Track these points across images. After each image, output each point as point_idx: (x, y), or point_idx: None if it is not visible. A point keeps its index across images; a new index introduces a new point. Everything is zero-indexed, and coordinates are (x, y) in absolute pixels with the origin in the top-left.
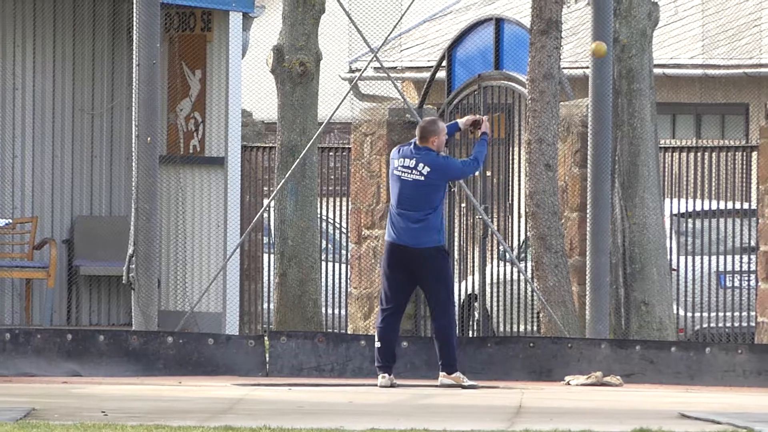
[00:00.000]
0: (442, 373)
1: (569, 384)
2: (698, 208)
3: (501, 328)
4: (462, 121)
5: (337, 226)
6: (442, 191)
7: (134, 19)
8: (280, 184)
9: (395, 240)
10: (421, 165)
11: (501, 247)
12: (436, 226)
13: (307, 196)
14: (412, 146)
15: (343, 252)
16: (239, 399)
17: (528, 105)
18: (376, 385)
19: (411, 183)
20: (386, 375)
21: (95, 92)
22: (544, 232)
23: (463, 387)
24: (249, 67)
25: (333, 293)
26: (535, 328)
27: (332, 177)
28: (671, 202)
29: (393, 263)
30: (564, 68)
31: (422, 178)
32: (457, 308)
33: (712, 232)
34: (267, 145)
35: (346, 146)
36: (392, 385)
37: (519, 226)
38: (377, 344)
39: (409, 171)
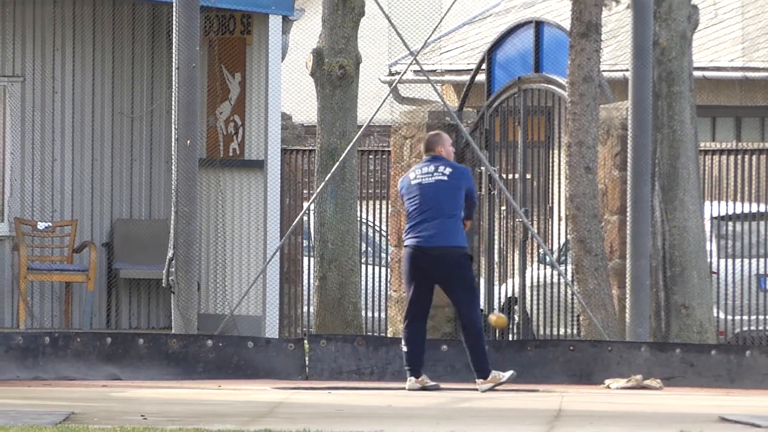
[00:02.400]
0: (478, 380)
1: (609, 387)
2: (738, 210)
3: (541, 331)
4: None
5: (377, 229)
6: (461, 198)
7: (174, 22)
8: (320, 187)
9: (421, 243)
10: (441, 167)
11: (541, 250)
12: (461, 229)
13: (346, 199)
14: (423, 161)
15: (383, 255)
16: (279, 402)
17: (568, 108)
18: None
19: (434, 184)
20: (413, 378)
21: (135, 95)
22: (584, 235)
23: (503, 382)
24: (288, 70)
25: (373, 296)
26: (575, 331)
27: (372, 180)
28: (711, 205)
29: (416, 269)
30: (604, 71)
31: (445, 178)
32: (496, 311)
33: (752, 234)
34: (306, 148)
35: (386, 149)
36: (423, 388)
37: (559, 229)
38: (404, 348)
39: (430, 175)
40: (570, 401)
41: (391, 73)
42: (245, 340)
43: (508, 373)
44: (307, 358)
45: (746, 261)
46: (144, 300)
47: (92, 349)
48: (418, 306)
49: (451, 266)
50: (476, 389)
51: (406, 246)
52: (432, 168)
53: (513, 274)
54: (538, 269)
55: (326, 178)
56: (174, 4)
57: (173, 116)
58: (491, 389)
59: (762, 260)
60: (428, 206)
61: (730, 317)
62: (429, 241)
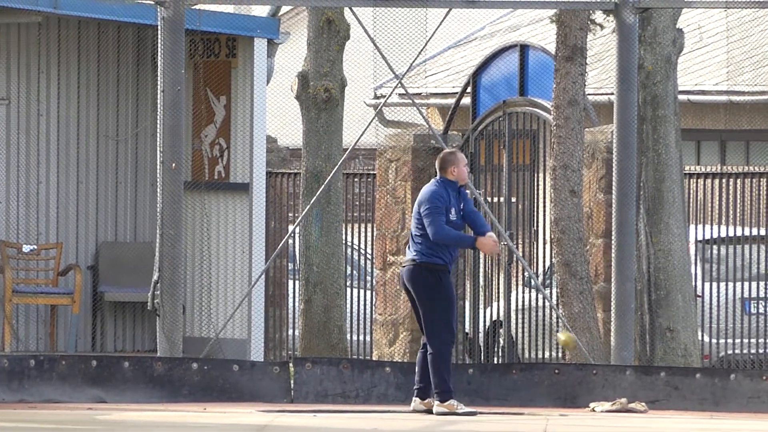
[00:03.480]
0: (436, 402)
1: (594, 411)
2: (723, 234)
3: (526, 355)
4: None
5: (362, 252)
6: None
7: (159, 45)
8: (305, 210)
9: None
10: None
11: (526, 274)
12: (425, 245)
13: (332, 222)
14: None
15: (368, 278)
16: (264, 426)
17: (553, 131)
18: (401, 412)
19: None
20: (417, 399)
21: (120, 118)
22: (569, 259)
23: (458, 414)
24: (274, 93)
25: (358, 319)
26: (560, 354)
27: (357, 203)
28: (696, 229)
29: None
30: (589, 94)
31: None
32: (481, 334)
33: (737, 258)
34: (292, 171)
35: (371, 172)
36: (427, 411)
37: (544, 253)
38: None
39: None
40: (555, 424)
41: (376, 97)
42: (230, 363)
43: (467, 410)
44: (292, 381)
45: (731, 284)
46: (129, 323)
47: (77, 372)
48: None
49: (410, 282)
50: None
51: None
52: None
53: (498, 297)
54: (523, 292)
55: (311, 201)
56: (159, 27)
57: (158, 139)
58: (445, 414)
59: (747, 284)
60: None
61: (714, 340)
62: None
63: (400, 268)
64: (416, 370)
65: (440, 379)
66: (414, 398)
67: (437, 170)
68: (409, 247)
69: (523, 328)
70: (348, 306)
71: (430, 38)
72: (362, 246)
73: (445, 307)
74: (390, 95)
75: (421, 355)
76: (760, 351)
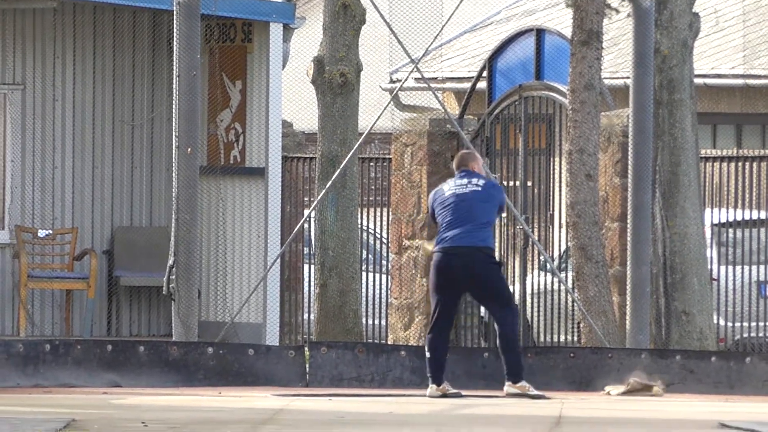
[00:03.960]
0: (507, 382)
1: (609, 394)
2: (739, 217)
3: (542, 338)
4: None
5: (378, 236)
6: (494, 209)
7: (174, 30)
8: (321, 194)
9: (446, 245)
10: (475, 179)
11: (542, 257)
12: (490, 236)
13: (347, 207)
14: (456, 175)
15: (384, 262)
16: (279, 410)
17: (569, 115)
18: (416, 395)
19: (470, 194)
20: (434, 385)
21: (135, 103)
22: (584, 242)
23: (530, 397)
24: (289, 77)
25: (373, 304)
26: (575, 338)
27: (373, 187)
28: (712, 212)
29: (441, 274)
30: (605, 78)
31: (480, 189)
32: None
33: (752, 241)
34: (307, 156)
35: (387, 156)
36: (444, 395)
37: (560, 236)
38: (427, 355)
39: (464, 186)
40: (570, 408)
41: (392, 81)
42: (246, 347)
43: (537, 393)
44: (307, 365)
45: (746, 268)
46: (144, 307)
47: (93, 356)
48: (443, 314)
49: (474, 268)
50: (475, 395)
51: (434, 253)
52: (465, 181)
53: (514, 281)
54: (539, 276)
55: (327, 186)
56: (175, 12)
57: (174, 124)
58: (515, 395)
59: (762, 267)
60: (459, 214)
61: (730, 324)
62: (454, 242)
63: (442, 253)
64: (430, 355)
65: (517, 362)
66: (431, 385)
67: (456, 168)
68: (461, 230)
69: (538, 311)
70: (363, 290)
71: (446, 22)
72: (377, 230)
73: (507, 293)
74: (406, 79)
75: (438, 340)
76: None
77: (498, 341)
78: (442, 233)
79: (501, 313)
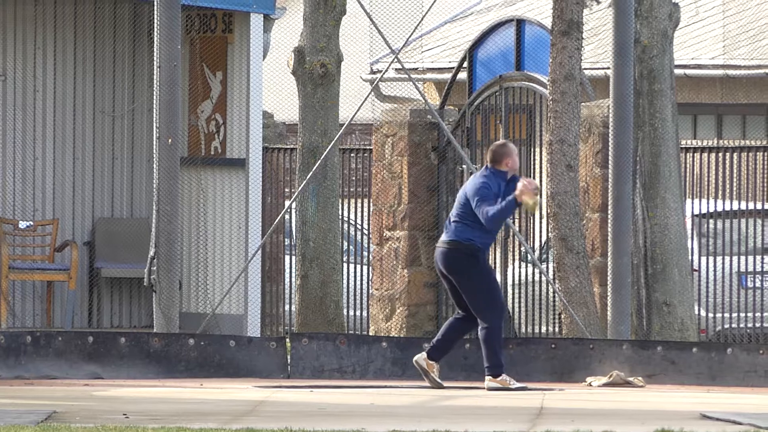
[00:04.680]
0: (487, 377)
1: (591, 385)
2: (719, 208)
3: (523, 329)
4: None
5: (359, 227)
6: (468, 204)
7: (155, 20)
8: (302, 185)
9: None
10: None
11: (522, 248)
12: (466, 229)
13: (328, 198)
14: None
15: (365, 253)
16: (261, 401)
17: (549, 106)
18: (397, 387)
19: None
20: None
21: (116, 94)
22: (565, 233)
23: (511, 389)
24: (270, 68)
25: (354, 295)
26: (556, 329)
27: (353, 178)
28: (692, 203)
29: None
30: (585, 69)
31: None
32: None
33: (733, 232)
34: (288, 147)
35: (368, 147)
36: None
37: (540, 227)
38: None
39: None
40: (552, 399)
41: (372, 72)
42: (227, 338)
43: (519, 386)
44: (288, 357)
45: (727, 259)
46: (126, 299)
47: (74, 348)
48: (458, 306)
49: (449, 265)
50: (455, 387)
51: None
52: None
53: (494, 272)
54: (520, 267)
55: (308, 177)
56: (155, 3)
57: (155, 115)
58: (498, 389)
59: (743, 258)
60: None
61: (711, 315)
62: (441, 238)
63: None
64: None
65: (493, 354)
66: (424, 353)
67: (489, 162)
68: (446, 230)
69: (519, 302)
70: (345, 281)
71: (426, 13)
72: (358, 221)
73: (489, 283)
74: (386, 70)
75: (451, 321)
76: (757, 325)
77: (479, 333)
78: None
79: (476, 312)
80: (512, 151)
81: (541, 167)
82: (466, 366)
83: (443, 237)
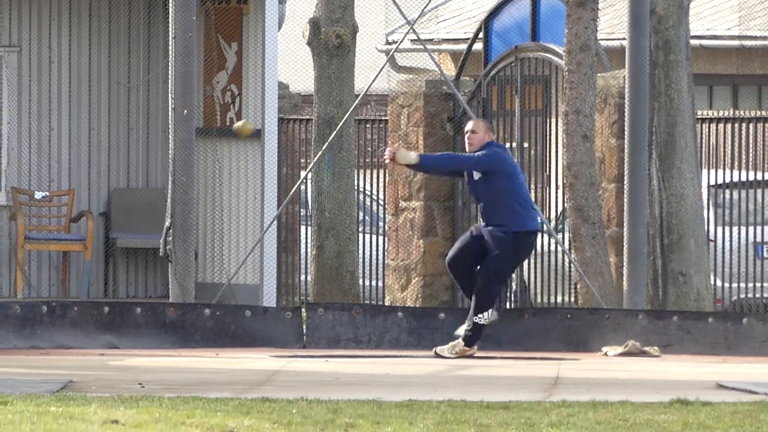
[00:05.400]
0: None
1: (606, 355)
2: (735, 179)
3: (539, 299)
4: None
5: (374, 197)
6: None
7: None
8: (317, 156)
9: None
10: None
11: (539, 219)
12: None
13: (344, 168)
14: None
15: (381, 224)
16: (276, 371)
17: (565, 76)
18: (413, 356)
19: None
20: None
21: (131, 65)
22: (581, 204)
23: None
24: (285, 39)
25: (370, 265)
26: (572, 299)
27: (369, 149)
28: (708, 173)
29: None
30: (601, 39)
31: None
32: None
33: (749, 202)
34: (304, 118)
35: (383, 118)
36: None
37: (556, 198)
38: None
39: None
40: (567, 369)
41: (388, 42)
42: (243, 308)
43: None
44: (304, 327)
45: (743, 229)
46: (141, 269)
47: (89, 318)
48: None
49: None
50: (475, 356)
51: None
52: None
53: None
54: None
55: (323, 148)
56: None
57: (170, 86)
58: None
59: (759, 228)
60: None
61: (727, 285)
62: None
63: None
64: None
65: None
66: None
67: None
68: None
69: (535, 272)
70: (360, 251)
71: None
72: (374, 192)
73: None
74: (402, 41)
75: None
76: None
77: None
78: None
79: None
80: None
81: (557, 138)
82: (482, 336)
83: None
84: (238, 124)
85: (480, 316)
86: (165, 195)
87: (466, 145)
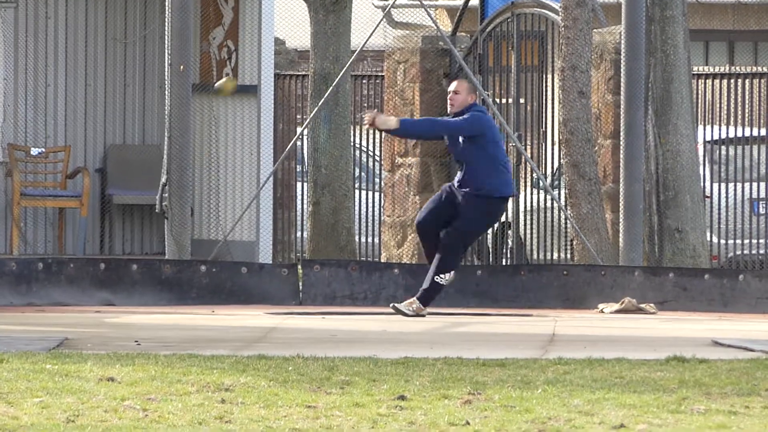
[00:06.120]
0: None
1: (603, 312)
2: (731, 135)
3: (534, 256)
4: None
5: (371, 154)
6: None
7: None
8: (314, 112)
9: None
10: None
11: (534, 175)
12: None
13: (340, 124)
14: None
15: (377, 180)
16: (272, 328)
17: (561, 32)
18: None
19: None
20: None
21: (128, 21)
22: (577, 160)
23: (405, 313)
24: None
25: (366, 221)
26: (568, 255)
27: (365, 105)
28: (704, 129)
29: None
30: None
31: None
32: (489, 236)
33: (745, 159)
34: (300, 73)
35: (379, 74)
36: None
37: (552, 154)
38: None
39: None
40: (563, 325)
41: None
42: (239, 265)
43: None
44: (300, 283)
45: (739, 185)
46: (137, 226)
47: (86, 274)
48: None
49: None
50: (467, 313)
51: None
52: None
53: None
54: (532, 194)
55: (320, 103)
56: None
57: (166, 41)
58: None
59: (755, 184)
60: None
61: (723, 241)
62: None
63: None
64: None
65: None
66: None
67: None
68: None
69: (531, 229)
70: (356, 208)
71: None
72: (370, 148)
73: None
74: None
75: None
76: None
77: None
78: (506, 166)
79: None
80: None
81: (553, 94)
82: (478, 292)
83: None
84: (219, 82)
85: (441, 276)
86: (161, 151)
87: (448, 106)
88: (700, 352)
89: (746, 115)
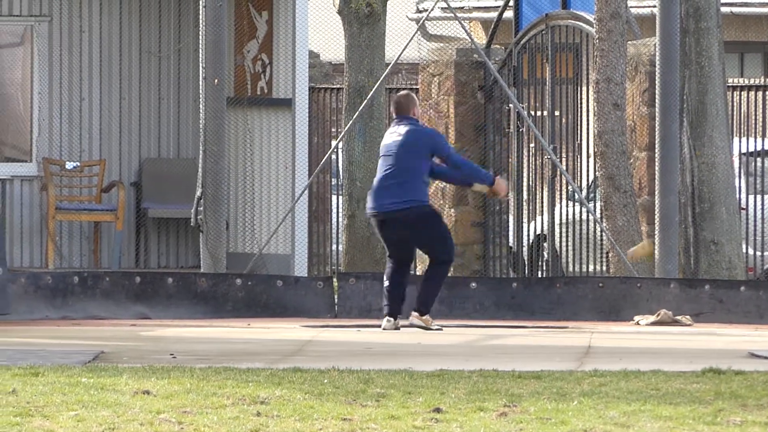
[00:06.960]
0: (414, 313)
1: (638, 324)
2: (767, 147)
3: (570, 268)
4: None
5: None
6: (422, 159)
7: None
8: (348, 125)
9: (376, 209)
10: (401, 127)
11: (570, 187)
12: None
13: (375, 137)
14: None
15: None
16: (308, 341)
17: (596, 44)
18: (445, 326)
19: (392, 144)
20: (391, 319)
21: (162, 34)
22: (612, 172)
23: (430, 330)
24: (316, 7)
25: None
26: (604, 267)
27: None
28: (740, 141)
29: (381, 231)
30: (631, 7)
31: (400, 138)
32: (525, 249)
33: None
34: (335, 87)
35: (414, 87)
36: (396, 329)
37: (588, 166)
38: (385, 284)
39: (396, 135)
40: (599, 338)
41: (418, 11)
42: (274, 278)
43: (436, 327)
44: (336, 296)
45: None
46: (173, 239)
47: (121, 288)
48: (396, 258)
49: (415, 224)
50: (503, 326)
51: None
52: (398, 129)
53: (542, 211)
54: (567, 206)
55: (354, 117)
56: None
57: (201, 55)
58: (417, 327)
59: None
60: (386, 166)
61: (759, 253)
62: (386, 207)
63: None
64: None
65: (433, 296)
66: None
67: (395, 113)
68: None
69: (566, 242)
70: None
71: None
72: None
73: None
74: (432, 9)
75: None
76: None
77: (426, 270)
78: (373, 188)
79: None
80: (417, 103)
81: (587, 106)
82: (514, 305)
83: (393, 199)
84: (634, 249)
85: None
86: (196, 165)
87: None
88: (736, 363)
89: None
